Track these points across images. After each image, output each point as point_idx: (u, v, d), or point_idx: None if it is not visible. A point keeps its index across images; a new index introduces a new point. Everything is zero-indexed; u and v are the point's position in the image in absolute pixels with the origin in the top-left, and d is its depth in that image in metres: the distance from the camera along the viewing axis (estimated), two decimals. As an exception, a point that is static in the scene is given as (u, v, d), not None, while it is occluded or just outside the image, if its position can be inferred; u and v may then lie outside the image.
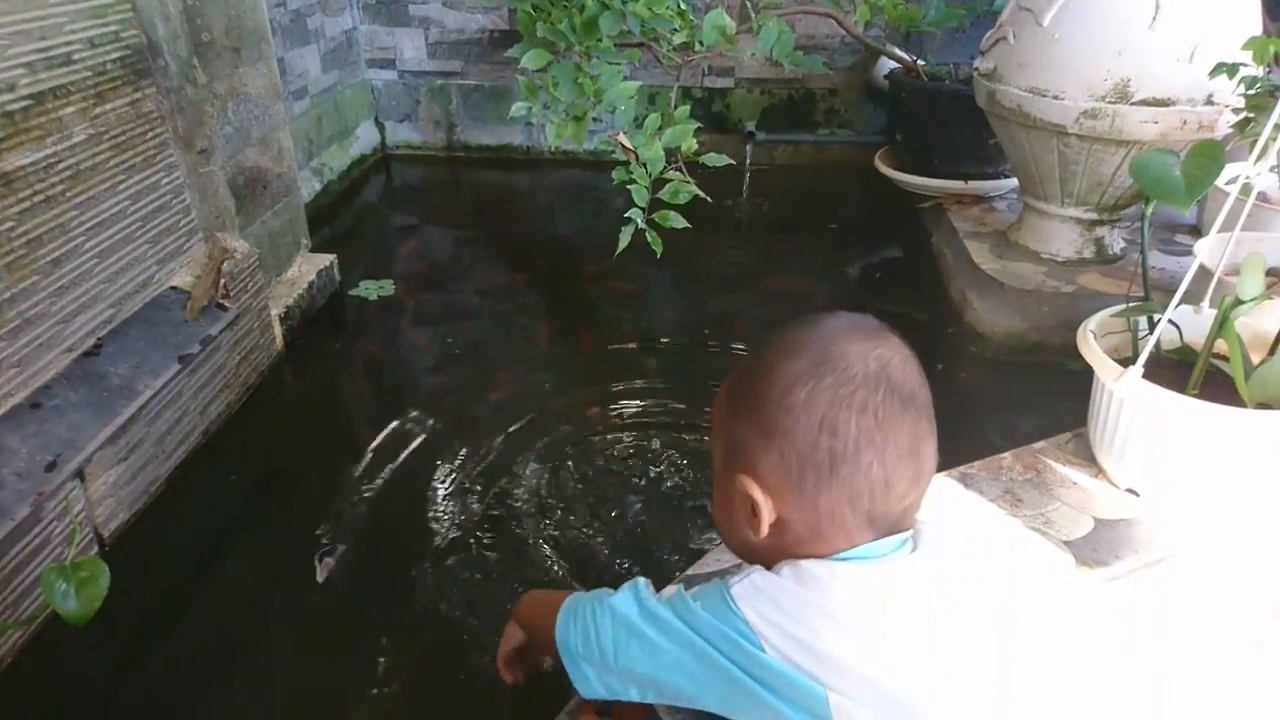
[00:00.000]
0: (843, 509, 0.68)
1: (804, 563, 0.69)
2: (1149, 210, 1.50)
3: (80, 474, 1.47)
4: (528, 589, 1.24)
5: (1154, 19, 1.87)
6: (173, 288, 1.86)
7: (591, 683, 0.77)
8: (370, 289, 2.58)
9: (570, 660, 0.79)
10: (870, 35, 3.05)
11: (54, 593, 1.17)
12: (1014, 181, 2.65)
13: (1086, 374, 1.51)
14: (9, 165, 1.45)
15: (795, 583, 0.68)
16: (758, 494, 0.70)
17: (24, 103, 1.48)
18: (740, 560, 0.84)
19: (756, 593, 0.68)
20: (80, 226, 1.62)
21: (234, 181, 2.06)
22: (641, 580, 0.79)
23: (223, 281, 1.89)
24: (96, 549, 1.53)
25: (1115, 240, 2.31)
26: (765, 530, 0.71)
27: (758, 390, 0.70)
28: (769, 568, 0.73)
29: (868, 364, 0.68)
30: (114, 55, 1.70)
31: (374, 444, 1.87)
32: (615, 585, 0.82)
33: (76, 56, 1.61)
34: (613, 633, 0.75)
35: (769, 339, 0.74)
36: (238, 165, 2.09)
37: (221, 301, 1.89)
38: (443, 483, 1.76)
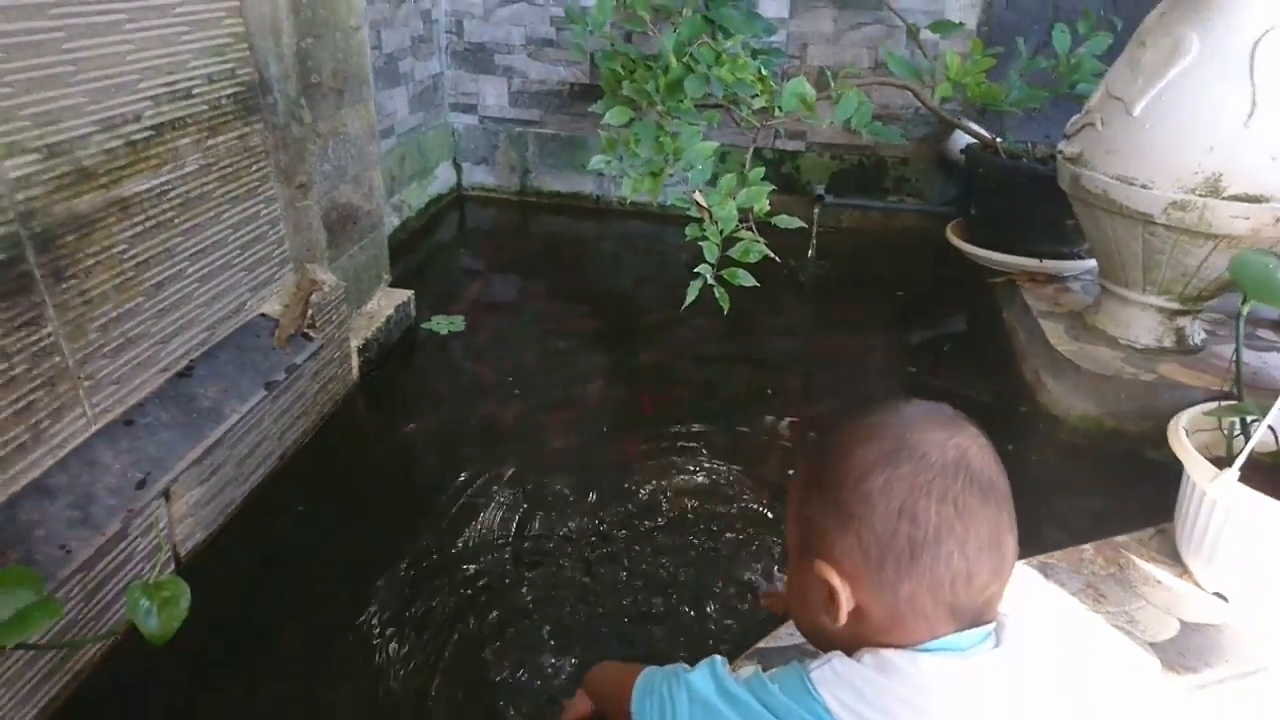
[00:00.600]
0: (924, 599, 0.68)
1: (886, 652, 0.68)
2: (1245, 309, 1.48)
3: (166, 493, 1.51)
4: (594, 654, 1.23)
5: (1250, 116, 1.86)
6: (263, 315, 1.92)
7: None
8: (442, 324, 2.64)
9: None
10: (946, 108, 3.07)
11: (138, 610, 1.19)
12: (1090, 263, 2.63)
13: (1164, 464, 1.47)
14: (127, 191, 1.53)
15: (877, 671, 0.67)
16: (836, 581, 0.69)
17: (146, 133, 1.56)
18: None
19: (837, 679, 0.68)
20: (185, 252, 1.69)
21: (327, 216, 2.13)
22: (719, 658, 0.78)
23: (310, 312, 1.95)
24: (173, 568, 1.56)
25: (1196, 331, 2.27)
26: (844, 618, 0.71)
27: (833, 476, 0.70)
28: (847, 654, 0.72)
29: (945, 452, 0.68)
30: (229, 91, 1.79)
31: (437, 479, 1.89)
32: (678, 652, 0.82)
33: (196, 91, 1.69)
34: (689, 710, 0.75)
35: (843, 422, 0.75)
36: (332, 201, 2.16)
37: (307, 331, 1.94)
38: (496, 522, 1.77)
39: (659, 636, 1.49)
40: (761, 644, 1.31)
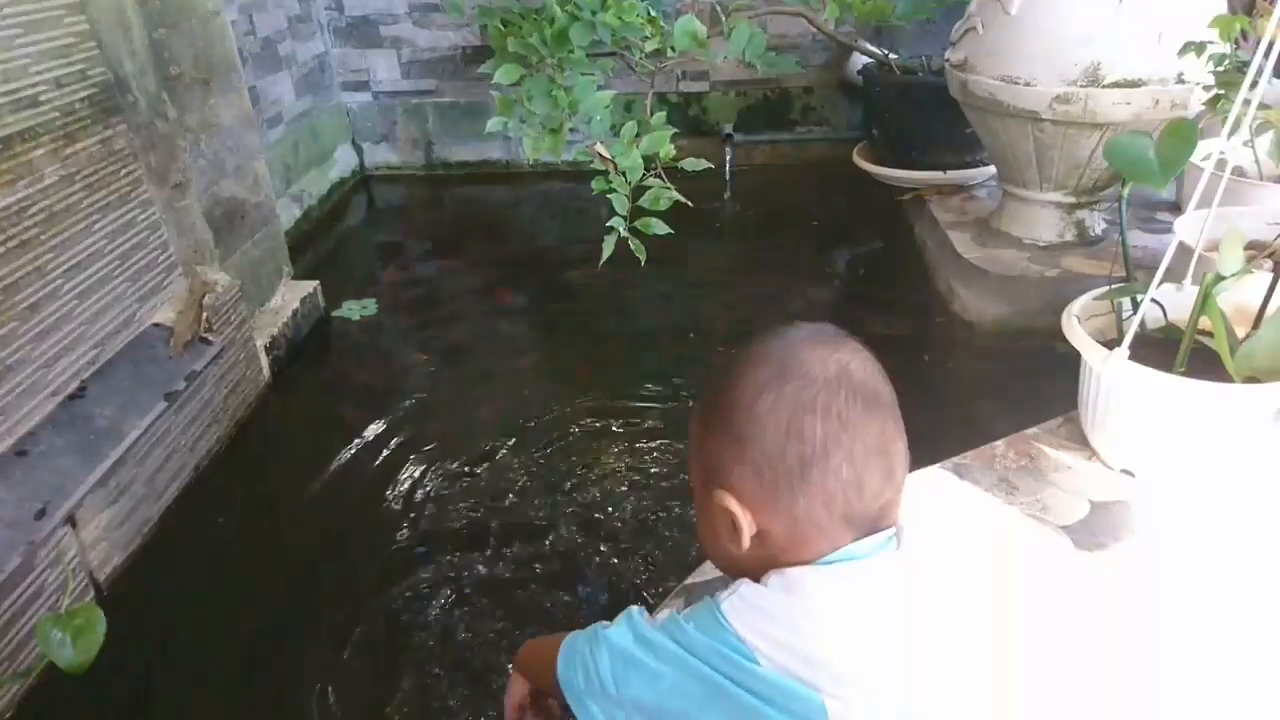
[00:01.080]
0: (819, 512, 0.69)
1: (789, 570, 0.70)
2: (1126, 192, 1.51)
3: (71, 520, 1.46)
4: (525, 626, 1.22)
5: (1120, 2, 1.88)
6: (155, 325, 1.85)
7: (598, 718, 0.77)
8: (353, 309, 2.59)
9: (575, 699, 0.79)
10: (841, 32, 3.06)
11: (50, 642, 1.15)
12: (993, 169, 2.66)
13: (1075, 357, 1.51)
14: (-19, 212, 1.44)
15: (782, 591, 0.68)
16: (735, 507, 0.70)
17: (-7, 148, 1.47)
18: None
19: (745, 605, 0.69)
20: (57, 269, 1.61)
21: (211, 214, 2.05)
22: (635, 609, 0.79)
23: (205, 315, 1.88)
24: (93, 594, 1.52)
25: (1096, 222, 2.32)
26: (747, 542, 0.71)
27: (724, 404, 0.72)
28: (756, 579, 0.73)
29: (827, 368, 0.69)
30: (81, 94, 1.69)
31: (363, 472, 1.86)
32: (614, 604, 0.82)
33: (44, 98, 1.60)
34: (610, 664, 0.75)
35: (733, 355, 0.76)
36: (214, 197, 2.08)
37: (205, 335, 1.88)
38: (434, 505, 1.75)
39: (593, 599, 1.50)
40: (688, 580, 1.32)
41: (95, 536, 1.53)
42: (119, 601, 1.52)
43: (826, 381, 0.69)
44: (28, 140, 1.55)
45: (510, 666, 1.10)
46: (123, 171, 1.80)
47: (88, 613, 1.18)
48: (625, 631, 0.76)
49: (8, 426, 1.48)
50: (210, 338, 1.89)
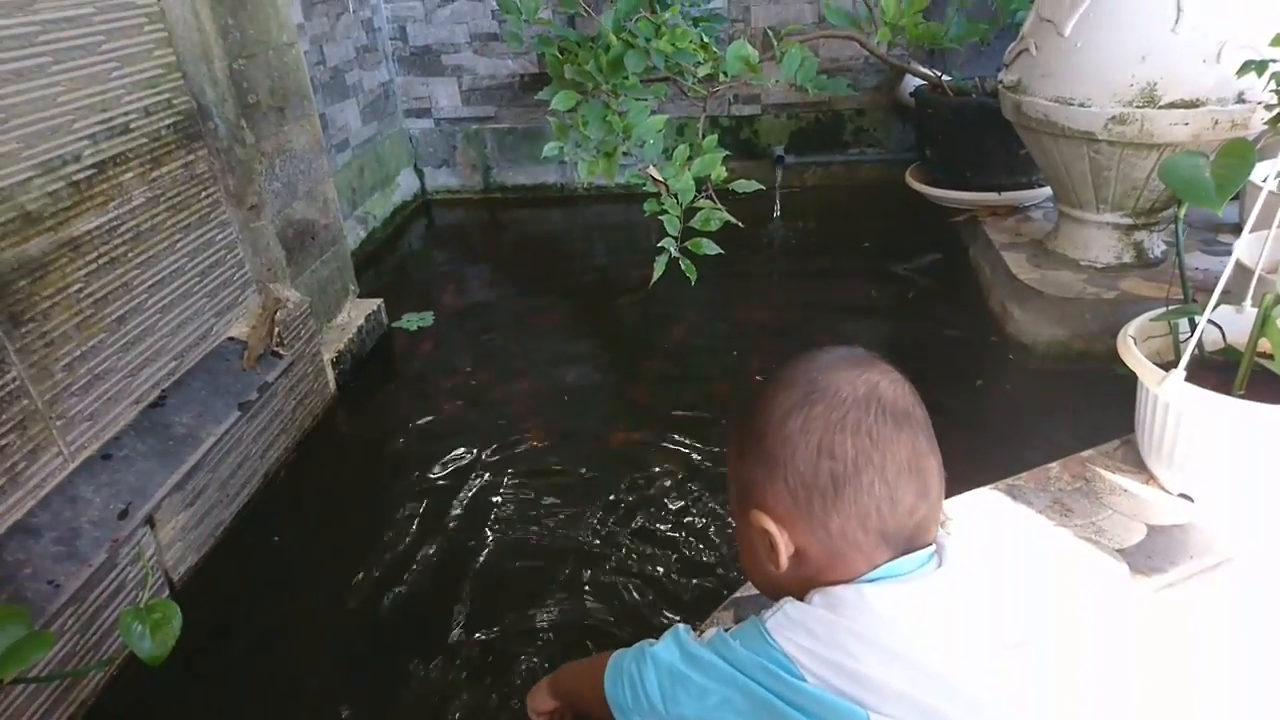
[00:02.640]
0: (854, 530, 0.70)
1: (833, 589, 0.71)
2: (1182, 213, 1.50)
3: (150, 520, 1.54)
4: (570, 639, 1.24)
5: (1176, 21, 1.87)
6: (230, 338, 1.95)
7: None
8: (412, 320, 2.72)
9: (622, 716, 0.81)
10: (894, 54, 3.08)
11: (130, 634, 1.22)
12: (1048, 190, 2.64)
13: (1134, 380, 1.49)
14: (77, 230, 1.55)
15: (826, 609, 0.70)
16: (772, 527, 0.72)
17: (88, 171, 1.58)
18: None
19: (790, 623, 0.70)
20: (142, 285, 1.71)
21: (283, 234, 2.15)
22: (682, 627, 0.80)
23: (277, 330, 1.98)
24: (168, 592, 1.60)
25: (1155, 244, 2.28)
26: (784, 562, 0.73)
27: (758, 426, 0.73)
28: (798, 598, 0.74)
29: (856, 388, 0.71)
30: (168, 121, 1.81)
31: (421, 483, 1.92)
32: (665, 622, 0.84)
33: (134, 125, 1.71)
34: (658, 681, 0.77)
35: (767, 379, 0.78)
36: (286, 218, 2.18)
37: (276, 349, 1.97)
38: (485, 517, 1.80)
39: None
40: (737, 594, 1.34)
41: (171, 537, 1.61)
42: (191, 600, 1.60)
43: (856, 401, 0.70)
44: (119, 165, 1.67)
45: (532, 695, 1.06)
46: (203, 194, 1.91)
47: (165, 608, 1.26)
48: (672, 649, 0.77)
49: (95, 431, 1.57)
50: (281, 351, 1.98)
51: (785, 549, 0.72)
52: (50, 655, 1.30)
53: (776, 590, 0.78)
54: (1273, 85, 1.68)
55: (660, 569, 1.63)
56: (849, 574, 0.71)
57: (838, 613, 0.69)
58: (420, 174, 3.93)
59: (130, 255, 1.68)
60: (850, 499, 0.69)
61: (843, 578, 0.71)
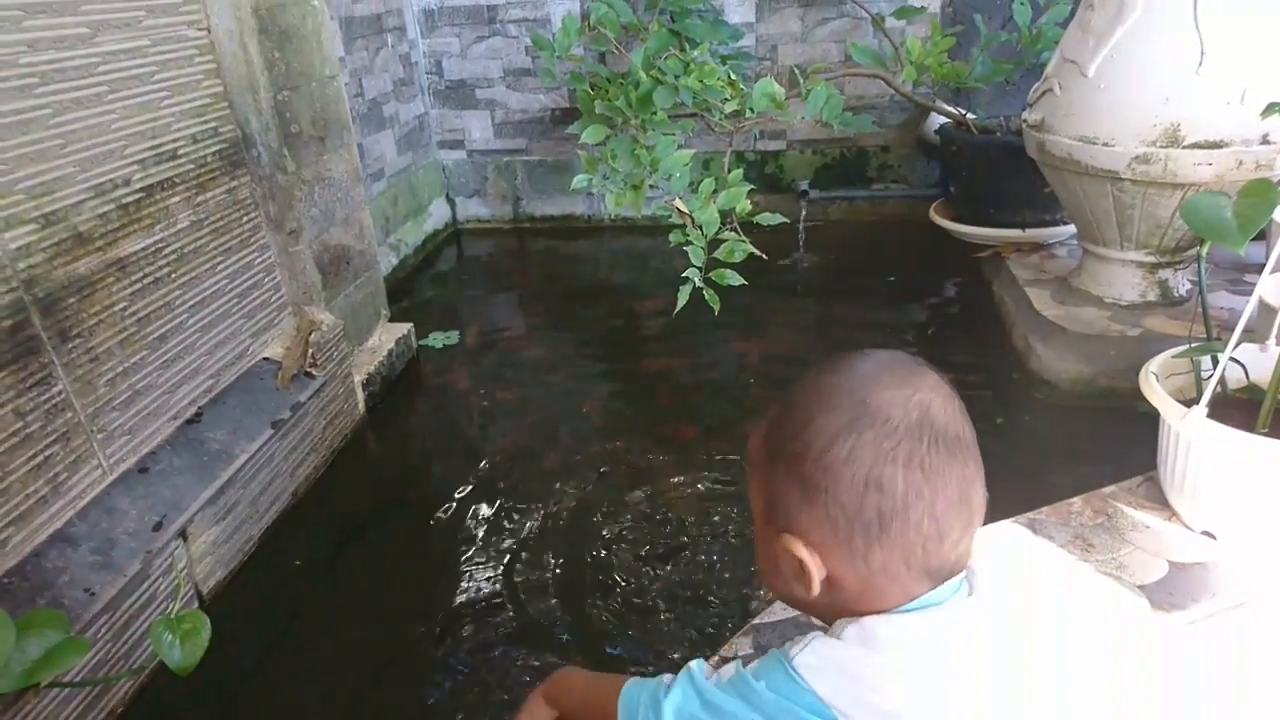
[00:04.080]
0: (897, 565, 0.65)
1: (867, 621, 0.66)
2: (1204, 251, 1.51)
3: (184, 533, 1.59)
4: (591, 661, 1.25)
5: (1200, 64, 1.89)
6: (265, 359, 2.00)
7: None
8: (438, 339, 2.81)
9: None
10: (919, 92, 3.12)
11: (161, 644, 1.26)
12: (1072, 228, 2.65)
13: (1157, 416, 1.50)
14: (124, 251, 1.62)
15: (861, 646, 0.65)
16: (805, 554, 0.67)
17: (137, 195, 1.65)
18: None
19: (823, 663, 0.65)
20: (184, 305, 1.77)
21: (320, 259, 2.21)
22: (695, 665, 0.74)
23: (310, 351, 2.03)
24: (197, 604, 1.63)
25: (1180, 282, 2.28)
26: (817, 589, 0.68)
27: (794, 445, 0.67)
28: (825, 620, 0.72)
29: (909, 413, 0.65)
30: (213, 148, 1.88)
31: (446, 504, 1.95)
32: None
33: (181, 151, 1.78)
34: None
35: (801, 387, 0.70)
36: (323, 244, 2.25)
37: (309, 370, 2.02)
38: (506, 539, 1.83)
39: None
40: (757, 620, 1.35)
41: (203, 551, 1.65)
42: (219, 614, 1.63)
43: (909, 429, 0.64)
44: (166, 189, 1.74)
45: (527, 708, 1.00)
46: (245, 218, 1.97)
47: (195, 619, 1.29)
48: (690, 695, 0.72)
49: (134, 445, 1.62)
50: (314, 372, 2.03)
51: (818, 575, 0.67)
52: (83, 662, 1.33)
53: (799, 605, 0.76)
54: (1296, 127, 1.70)
55: (685, 593, 1.64)
56: (883, 605, 0.67)
57: (872, 649, 0.65)
58: (452, 203, 4.02)
59: (173, 276, 1.75)
60: (897, 535, 0.64)
61: (876, 608, 0.67)
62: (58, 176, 1.46)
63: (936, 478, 0.64)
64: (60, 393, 1.45)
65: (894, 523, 0.64)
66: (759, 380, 2.49)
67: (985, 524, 1.51)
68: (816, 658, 0.65)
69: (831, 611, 0.70)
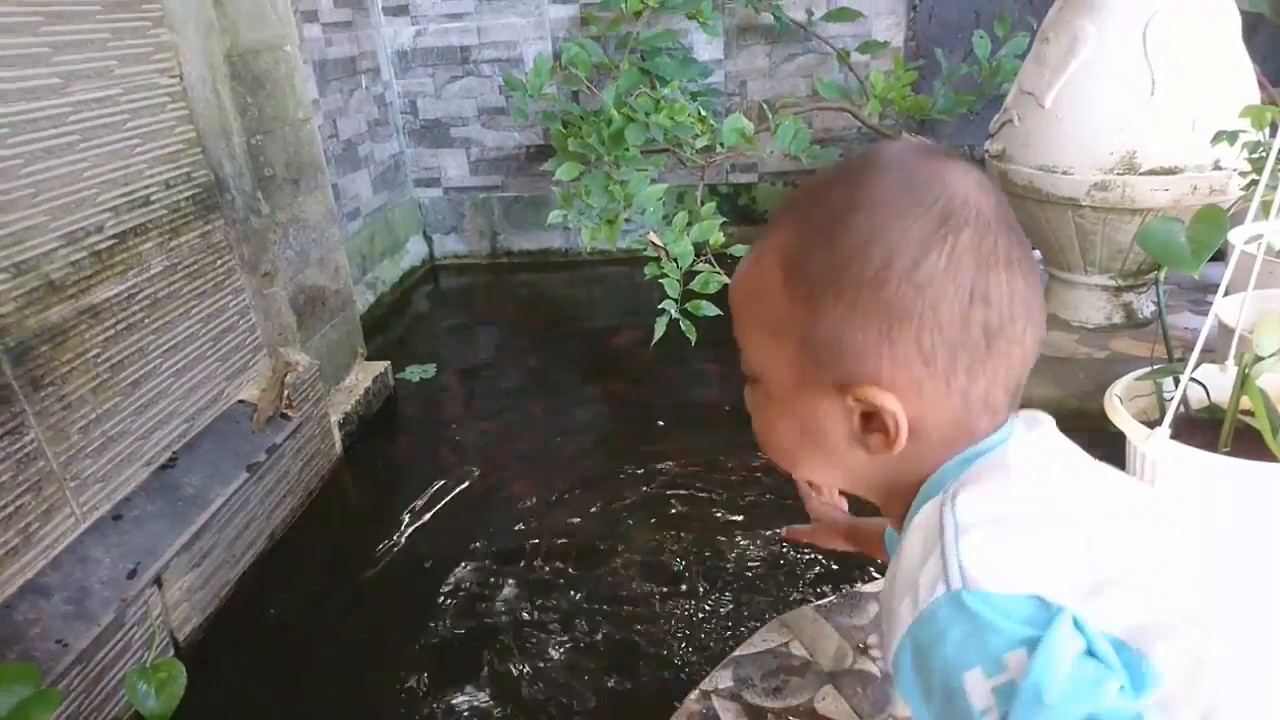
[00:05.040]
0: (996, 391, 0.53)
1: (986, 468, 0.52)
2: (1162, 275, 1.55)
3: (158, 580, 1.57)
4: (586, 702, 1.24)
5: (1152, 93, 1.95)
6: (241, 401, 2.00)
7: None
8: (415, 372, 2.84)
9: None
10: (885, 124, 3.19)
11: (136, 693, 1.24)
12: (1036, 254, 2.71)
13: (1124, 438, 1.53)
14: (96, 298, 1.62)
15: (1011, 501, 0.50)
16: (893, 404, 0.52)
17: (109, 242, 1.66)
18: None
19: (992, 546, 0.47)
20: (158, 350, 1.77)
21: (295, 300, 2.22)
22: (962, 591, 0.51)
23: (286, 393, 2.03)
24: (173, 652, 1.61)
25: (1144, 304, 2.34)
26: (902, 443, 0.53)
27: (862, 269, 0.51)
28: (882, 501, 0.58)
29: (986, 199, 0.51)
30: (187, 193, 1.89)
31: (424, 545, 1.95)
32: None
33: (154, 198, 1.79)
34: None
35: (826, 189, 0.55)
36: (298, 285, 2.25)
37: (285, 412, 2.02)
38: (490, 578, 1.82)
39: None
40: (737, 652, 1.35)
41: (178, 598, 1.63)
42: (195, 661, 1.61)
43: (996, 218, 0.51)
44: (139, 235, 1.74)
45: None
46: (219, 262, 1.98)
47: (170, 667, 1.28)
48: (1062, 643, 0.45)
49: (107, 492, 1.61)
50: (290, 414, 2.02)
51: (904, 429, 0.53)
52: (55, 715, 1.31)
53: (847, 480, 0.59)
54: (1244, 154, 1.76)
55: (669, 625, 1.64)
56: (971, 442, 0.54)
57: (1020, 488, 0.51)
58: (429, 240, 4.04)
59: (147, 321, 1.74)
60: (1002, 353, 0.52)
61: (961, 448, 0.54)
62: (29, 225, 1.47)
63: (1027, 273, 0.52)
64: (32, 441, 1.44)
65: (1000, 339, 0.51)
66: (738, 408, 2.50)
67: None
68: (988, 557, 0.46)
69: (891, 478, 0.56)
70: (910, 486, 0.56)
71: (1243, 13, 2.05)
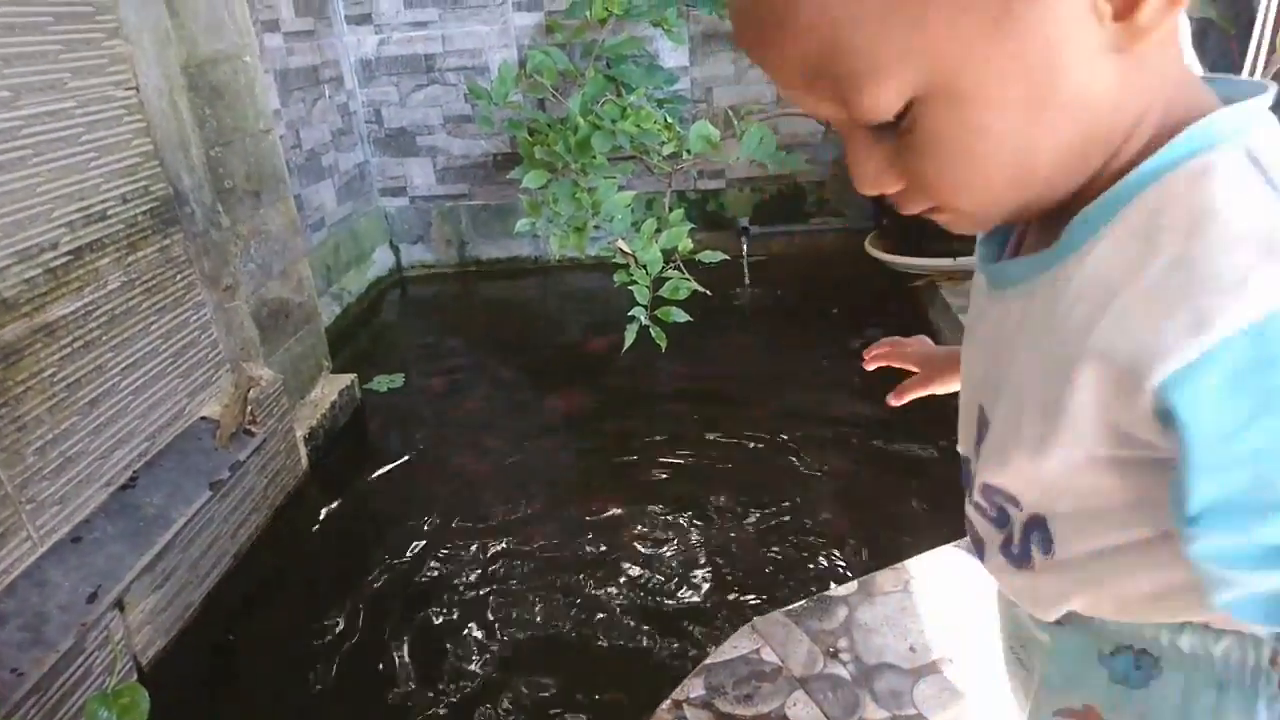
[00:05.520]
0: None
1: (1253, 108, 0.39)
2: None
3: (120, 603, 1.54)
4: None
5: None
6: (203, 418, 1.96)
7: None
8: (382, 382, 2.83)
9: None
10: (850, 130, 3.22)
11: (96, 720, 1.22)
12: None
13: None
14: (51, 316, 1.58)
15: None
16: None
17: (65, 258, 1.62)
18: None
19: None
20: (116, 367, 1.74)
21: (258, 314, 2.19)
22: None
23: (249, 409, 2.00)
24: (135, 677, 1.58)
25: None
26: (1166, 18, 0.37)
27: None
28: (1079, 180, 0.41)
29: None
30: (144, 207, 1.86)
31: (389, 563, 1.93)
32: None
33: (111, 212, 1.76)
34: None
35: None
36: (261, 298, 2.22)
37: (249, 428, 1.99)
38: (460, 592, 1.80)
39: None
40: (708, 660, 1.35)
41: (140, 620, 1.60)
42: (159, 684, 1.57)
43: None
44: (95, 251, 1.71)
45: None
46: (178, 276, 1.95)
47: (132, 692, 1.25)
48: None
49: (65, 514, 1.57)
50: (253, 430, 1.99)
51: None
52: (12, 745, 1.28)
53: (1050, 165, 0.41)
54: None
55: (645, 629, 1.64)
56: (1196, 92, 0.41)
57: None
58: (396, 250, 4.01)
59: (104, 339, 1.71)
60: None
61: (1201, 96, 0.41)
62: (-21, 243, 1.43)
63: None
64: (-15, 465, 1.41)
65: None
66: (707, 416, 2.51)
67: (929, 548, 1.53)
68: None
69: (1111, 130, 0.40)
70: (1128, 140, 0.40)
71: (1192, 19, 2.09)
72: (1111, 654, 0.50)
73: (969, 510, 0.56)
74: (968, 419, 0.55)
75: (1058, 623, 0.52)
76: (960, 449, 0.58)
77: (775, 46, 0.41)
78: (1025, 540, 0.50)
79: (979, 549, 0.56)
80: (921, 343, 0.86)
